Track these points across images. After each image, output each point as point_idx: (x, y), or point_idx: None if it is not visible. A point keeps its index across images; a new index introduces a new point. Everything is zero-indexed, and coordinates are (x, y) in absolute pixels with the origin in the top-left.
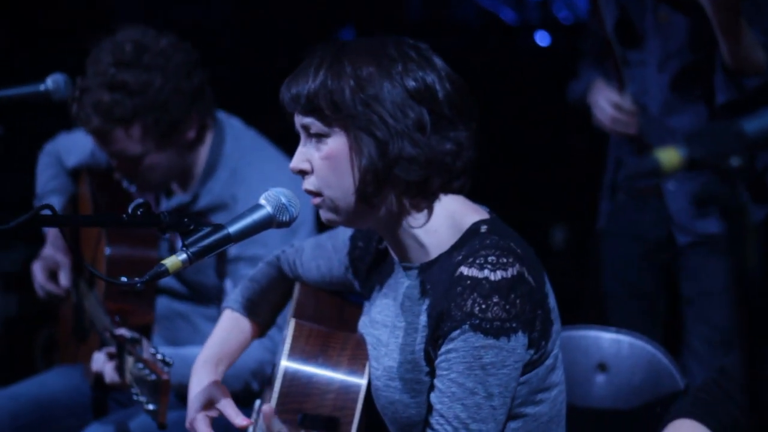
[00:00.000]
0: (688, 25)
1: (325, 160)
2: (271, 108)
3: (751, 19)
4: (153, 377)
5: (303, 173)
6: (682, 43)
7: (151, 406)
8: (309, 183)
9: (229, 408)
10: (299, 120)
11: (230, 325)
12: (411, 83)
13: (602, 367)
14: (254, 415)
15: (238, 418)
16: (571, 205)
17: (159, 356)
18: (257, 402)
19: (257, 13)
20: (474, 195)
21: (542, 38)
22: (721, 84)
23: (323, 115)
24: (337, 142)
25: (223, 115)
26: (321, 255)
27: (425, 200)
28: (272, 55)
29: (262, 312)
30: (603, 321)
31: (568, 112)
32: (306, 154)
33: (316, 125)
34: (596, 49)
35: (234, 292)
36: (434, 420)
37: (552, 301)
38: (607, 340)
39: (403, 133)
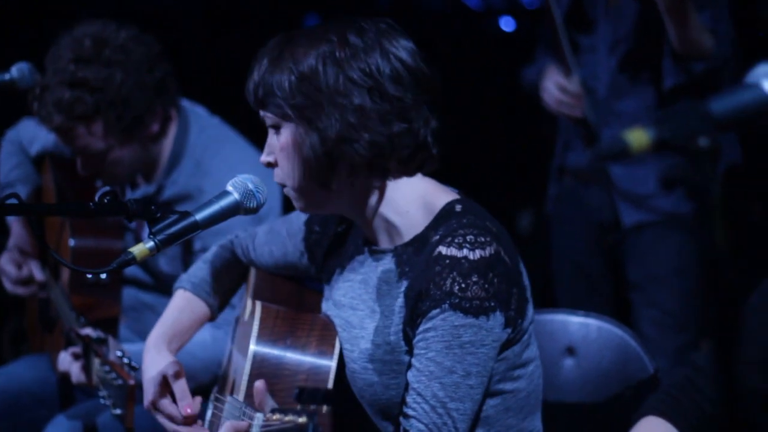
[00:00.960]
0: (637, 10)
1: (281, 151)
2: (236, 96)
3: (700, 4)
4: (119, 381)
5: (270, 165)
6: (630, 28)
7: (118, 411)
8: (276, 175)
9: (179, 388)
10: (260, 113)
11: (182, 305)
12: (351, 70)
13: (570, 351)
14: (210, 403)
15: (183, 401)
16: (537, 190)
17: (125, 360)
18: (214, 389)
19: (223, 1)
20: (440, 180)
21: (507, 23)
22: (668, 68)
23: (271, 108)
24: (286, 134)
25: (187, 104)
26: (274, 240)
27: (379, 180)
28: (237, 41)
29: (215, 294)
30: (551, 304)
31: (534, 97)
32: (271, 147)
33: (268, 117)
34: (546, 35)
35: (187, 273)
36: (411, 398)
37: (526, 280)
38: (575, 323)
39: (343, 120)
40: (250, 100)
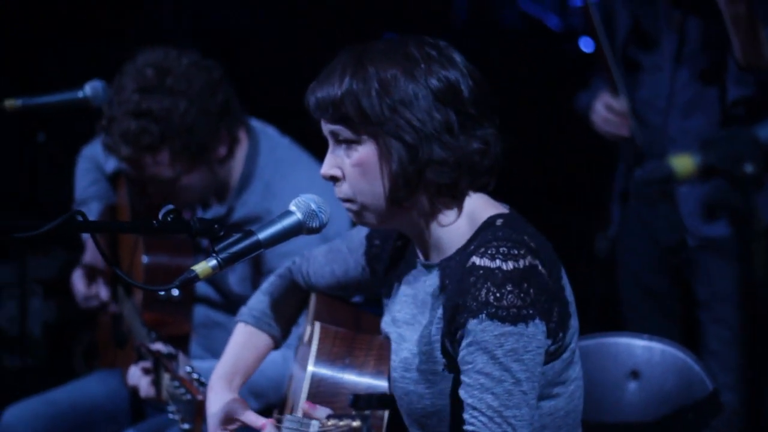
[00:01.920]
0: (701, 28)
1: (356, 167)
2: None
3: (765, 17)
4: (188, 397)
5: (334, 179)
6: (695, 46)
7: (186, 426)
8: (341, 191)
9: (249, 418)
10: (327, 127)
11: (244, 340)
12: (435, 84)
13: (634, 374)
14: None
15: (259, 421)
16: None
17: (195, 375)
18: (274, 411)
19: (301, 17)
20: (519, 202)
21: (586, 44)
22: (732, 80)
23: (351, 122)
24: (366, 149)
25: (258, 124)
26: (335, 259)
27: (454, 200)
28: (315, 59)
29: (276, 324)
30: (619, 326)
31: (585, 121)
32: (336, 161)
33: (344, 132)
34: (595, 55)
35: (247, 306)
36: (468, 414)
37: (569, 295)
38: (640, 347)
39: (432, 136)
40: (323, 113)
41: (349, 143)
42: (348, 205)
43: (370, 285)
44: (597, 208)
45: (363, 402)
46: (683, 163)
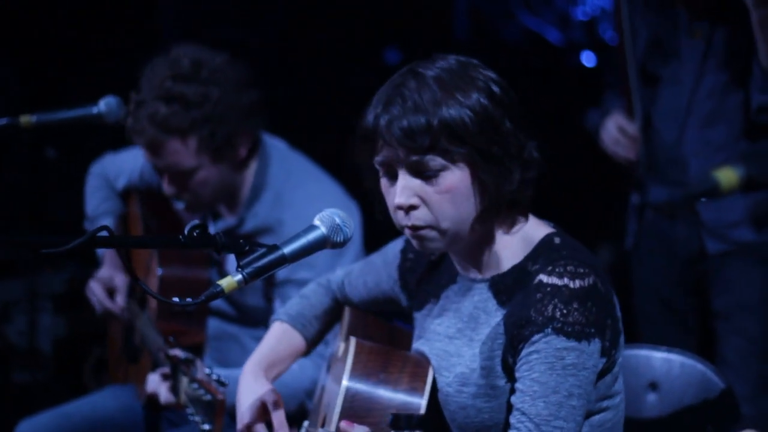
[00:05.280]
0: (727, 37)
1: (445, 194)
2: (316, 128)
3: None
4: (208, 397)
5: (411, 208)
6: (718, 57)
7: (206, 426)
8: (418, 218)
9: (278, 418)
10: (407, 156)
11: (280, 335)
12: (510, 108)
13: (653, 386)
14: None
15: (281, 430)
16: (619, 224)
17: (214, 377)
18: (305, 423)
19: (302, 34)
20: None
21: (588, 59)
22: (756, 88)
23: (444, 150)
24: (458, 175)
25: (267, 138)
26: (369, 271)
27: (516, 218)
28: (318, 75)
29: (311, 328)
30: (635, 338)
31: (595, 138)
32: (414, 189)
33: (435, 161)
34: (615, 78)
35: (284, 306)
36: (515, 419)
37: (619, 312)
38: (659, 359)
39: (518, 157)
40: (410, 142)
41: (435, 171)
42: (424, 232)
43: (399, 299)
44: (601, 219)
45: (403, 422)
46: (727, 176)
